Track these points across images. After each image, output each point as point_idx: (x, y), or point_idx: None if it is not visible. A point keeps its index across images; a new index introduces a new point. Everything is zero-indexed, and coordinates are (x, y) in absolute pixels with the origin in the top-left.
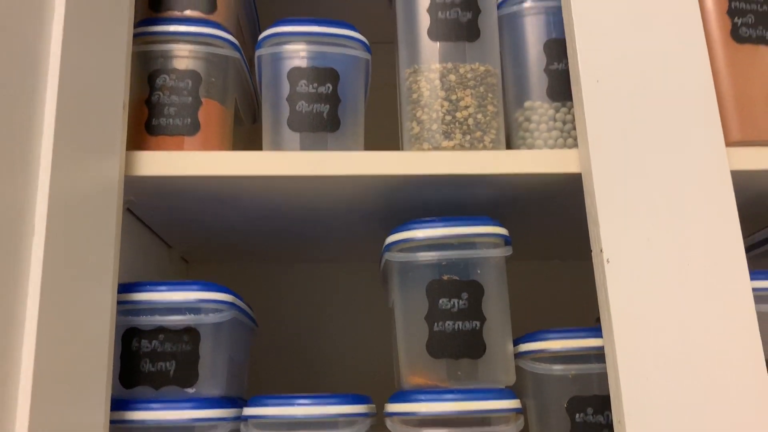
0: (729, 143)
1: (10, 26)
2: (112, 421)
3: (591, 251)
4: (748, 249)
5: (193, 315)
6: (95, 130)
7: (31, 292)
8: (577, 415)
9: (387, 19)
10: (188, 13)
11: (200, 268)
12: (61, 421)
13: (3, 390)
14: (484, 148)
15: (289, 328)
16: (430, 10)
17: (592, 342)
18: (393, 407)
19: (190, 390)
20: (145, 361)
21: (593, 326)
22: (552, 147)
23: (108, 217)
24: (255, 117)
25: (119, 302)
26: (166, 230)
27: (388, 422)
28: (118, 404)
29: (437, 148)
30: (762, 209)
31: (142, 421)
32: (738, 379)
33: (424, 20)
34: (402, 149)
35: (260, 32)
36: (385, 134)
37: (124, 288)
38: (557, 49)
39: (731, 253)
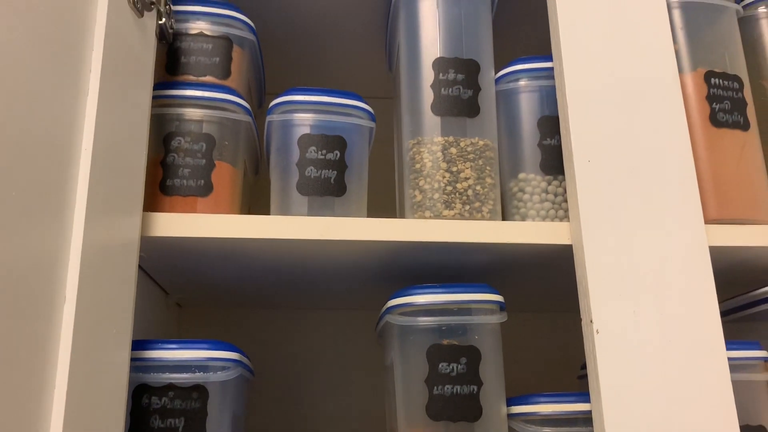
0: (708, 221)
1: (48, 91)
2: None
3: (576, 305)
4: (721, 315)
5: (201, 373)
6: (121, 190)
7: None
8: None
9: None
10: (204, 78)
11: (194, 312)
12: None
13: None
14: (482, 218)
15: (279, 374)
16: (434, 86)
17: (580, 407)
18: None
19: None
20: (155, 418)
21: (577, 374)
22: (544, 218)
23: (128, 276)
24: (257, 169)
25: (131, 359)
26: (168, 280)
27: None
28: None
29: (438, 216)
30: (734, 279)
31: None
32: None
33: (428, 96)
34: (402, 214)
35: (265, 88)
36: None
37: (136, 345)
38: (550, 125)
39: (709, 326)
